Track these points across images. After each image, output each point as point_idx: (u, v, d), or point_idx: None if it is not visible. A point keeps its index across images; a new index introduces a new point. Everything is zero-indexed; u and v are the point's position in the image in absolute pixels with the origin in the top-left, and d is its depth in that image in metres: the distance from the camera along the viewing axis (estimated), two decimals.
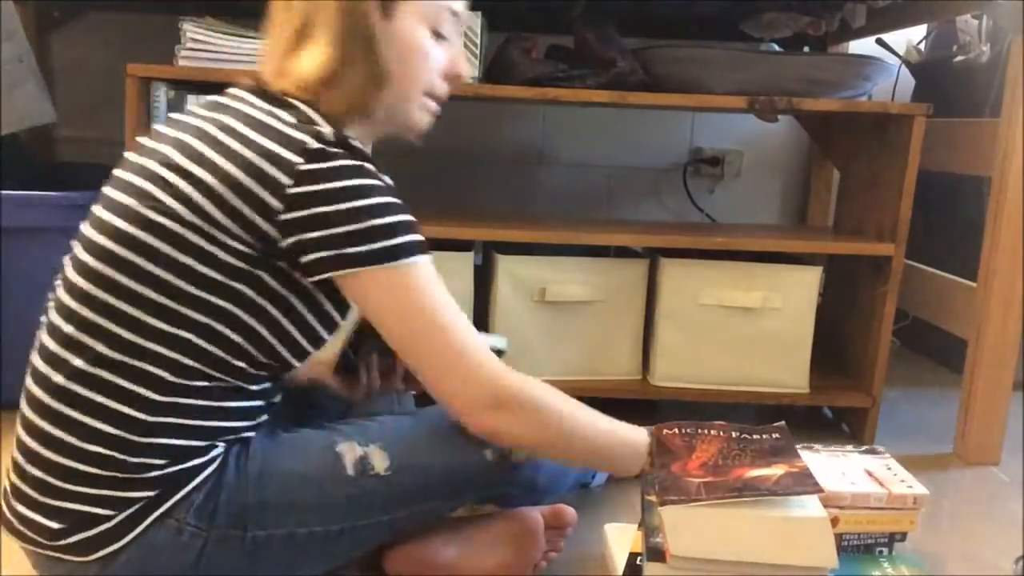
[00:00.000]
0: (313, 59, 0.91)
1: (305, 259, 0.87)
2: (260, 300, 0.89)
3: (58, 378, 0.88)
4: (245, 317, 0.89)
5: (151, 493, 0.89)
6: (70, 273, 0.90)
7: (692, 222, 2.26)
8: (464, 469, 1.02)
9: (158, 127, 0.95)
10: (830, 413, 1.83)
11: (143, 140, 0.95)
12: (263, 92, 0.93)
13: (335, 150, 0.87)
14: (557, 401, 0.98)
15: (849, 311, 1.80)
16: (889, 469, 1.18)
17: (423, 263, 0.90)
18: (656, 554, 0.95)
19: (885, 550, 1.15)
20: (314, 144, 0.86)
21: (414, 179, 1.91)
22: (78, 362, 0.87)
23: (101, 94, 2.17)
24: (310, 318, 0.93)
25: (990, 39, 2.00)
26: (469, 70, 1.02)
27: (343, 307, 0.96)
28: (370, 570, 1.06)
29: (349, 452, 0.97)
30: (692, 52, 1.61)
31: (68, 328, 0.88)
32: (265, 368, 0.94)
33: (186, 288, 0.86)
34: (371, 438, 0.99)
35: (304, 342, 0.94)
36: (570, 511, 1.12)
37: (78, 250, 0.90)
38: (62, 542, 0.89)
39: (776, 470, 0.98)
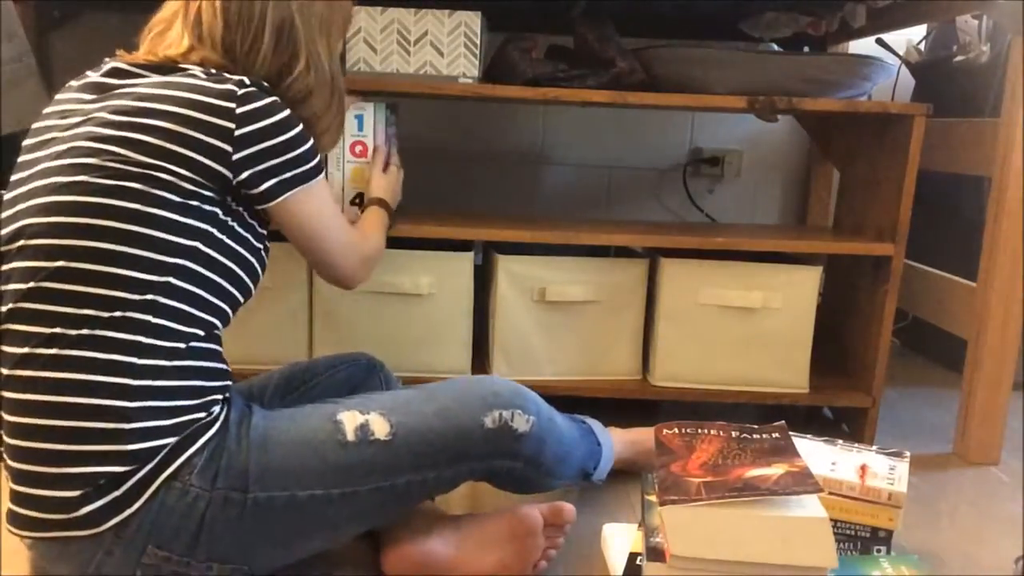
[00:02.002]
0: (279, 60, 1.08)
1: (259, 189, 1.00)
2: (215, 231, 0.98)
3: (40, 350, 0.91)
4: (201, 270, 0.98)
5: (158, 450, 0.92)
6: (28, 252, 0.93)
7: (692, 222, 2.26)
8: (463, 435, 1.04)
9: (51, 107, 1.04)
10: (830, 413, 1.83)
11: (43, 122, 1.03)
12: (149, 64, 1.03)
13: (255, 91, 0.99)
14: (368, 233, 1.32)
15: (849, 311, 1.80)
16: (892, 470, 1.18)
17: (322, 177, 1.08)
18: (656, 554, 0.95)
19: (884, 548, 1.15)
20: (239, 90, 0.97)
21: (414, 179, 1.91)
22: (54, 332, 0.91)
23: None
24: (252, 259, 1.05)
25: (990, 39, 2.00)
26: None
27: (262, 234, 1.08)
28: (370, 570, 1.07)
29: (350, 420, 1.01)
30: (692, 52, 1.61)
31: (33, 305, 0.92)
32: (218, 318, 1.02)
33: (158, 235, 0.94)
34: (371, 407, 1.03)
35: (249, 282, 1.06)
36: (569, 508, 1.12)
37: (28, 233, 0.94)
38: (78, 513, 0.90)
39: (776, 470, 0.98)
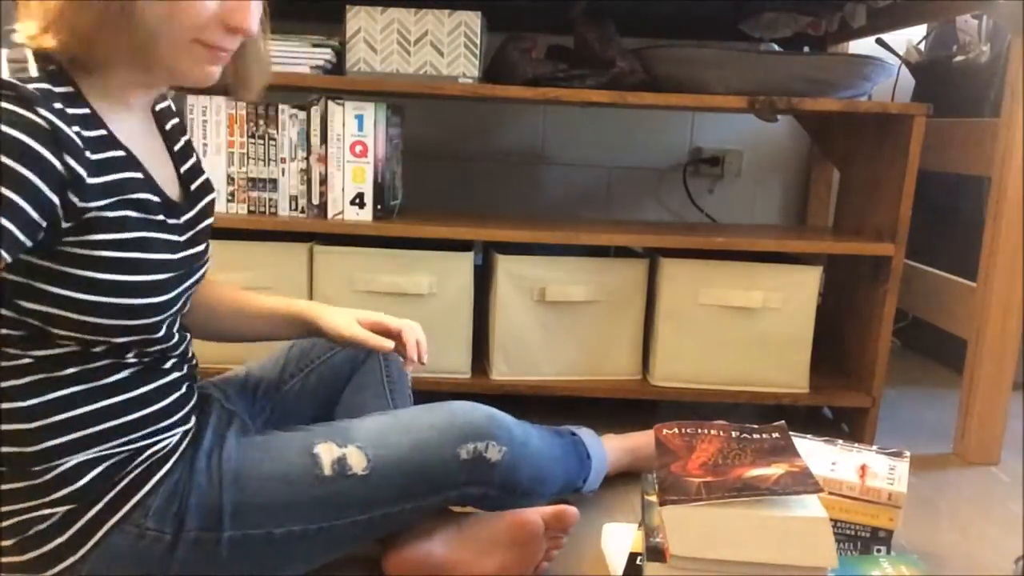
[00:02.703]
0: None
1: None
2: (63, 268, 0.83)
3: None
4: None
5: (92, 490, 0.88)
6: None
7: (692, 222, 2.26)
8: (439, 467, 1.03)
9: None
10: (830, 413, 1.83)
11: None
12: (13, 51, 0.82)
13: None
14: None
15: (849, 311, 1.80)
16: (892, 469, 1.18)
17: None
18: (656, 554, 0.95)
19: (884, 548, 1.15)
20: None
21: (415, 179, 1.91)
22: None
23: None
24: (108, 275, 0.85)
25: (990, 39, 2.00)
26: (252, 25, 0.86)
27: (119, 262, 0.85)
28: (371, 570, 1.07)
29: (327, 453, 0.99)
30: (692, 52, 1.61)
31: None
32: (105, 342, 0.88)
33: None
34: (348, 438, 1.01)
35: (115, 299, 0.86)
36: (572, 511, 1.12)
37: None
38: (20, 558, 0.88)
39: (776, 470, 0.98)
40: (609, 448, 1.37)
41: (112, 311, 0.86)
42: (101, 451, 0.89)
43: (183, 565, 0.91)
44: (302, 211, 1.61)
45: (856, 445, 1.26)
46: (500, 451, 1.06)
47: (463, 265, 1.62)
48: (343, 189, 1.59)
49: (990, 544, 1.29)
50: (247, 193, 1.61)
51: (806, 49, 2.07)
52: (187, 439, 0.97)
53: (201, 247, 0.99)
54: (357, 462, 0.99)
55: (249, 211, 1.62)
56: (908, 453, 1.23)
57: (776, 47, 1.98)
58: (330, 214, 1.60)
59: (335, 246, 1.61)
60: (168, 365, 0.96)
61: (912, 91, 2.25)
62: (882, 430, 1.68)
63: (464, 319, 1.63)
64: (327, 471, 0.98)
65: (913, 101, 2.19)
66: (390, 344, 1.13)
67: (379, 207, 1.60)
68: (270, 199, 1.61)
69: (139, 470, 0.91)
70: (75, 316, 0.84)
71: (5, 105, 0.75)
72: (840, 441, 1.26)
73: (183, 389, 0.98)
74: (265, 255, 1.59)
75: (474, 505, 1.10)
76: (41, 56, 0.81)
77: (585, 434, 1.33)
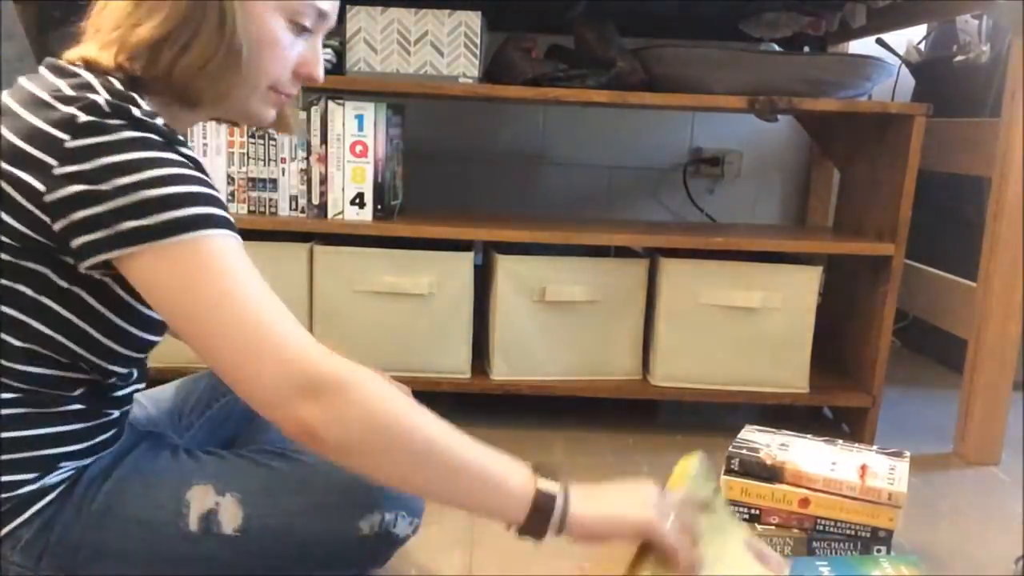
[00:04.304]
0: (151, 23, 0.80)
1: (76, 243, 0.76)
2: (41, 299, 0.80)
3: None
4: (25, 319, 0.80)
5: None
6: None
7: (692, 222, 2.26)
8: (330, 542, 0.89)
9: None
10: (830, 413, 1.83)
11: None
12: (56, 65, 0.84)
13: (110, 122, 0.76)
14: (395, 395, 0.77)
15: (849, 311, 1.80)
16: (892, 470, 1.18)
17: (216, 236, 0.76)
18: None
19: (884, 548, 1.15)
20: (83, 117, 0.75)
21: (415, 179, 1.91)
22: None
23: None
24: (112, 317, 0.83)
25: (990, 39, 2.00)
26: (321, 75, 0.90)
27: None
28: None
29: (198, 501, 0.87)
30: (692, 52, 1.61)
31: None
32: (77, 376, 0.84)
33: None
34: (233, 484, 0.88)
35: (110, 343, 0.84)
36: None
37: None
38: None
39: None
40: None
41: (134, 342, 0.86)
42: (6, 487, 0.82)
43: None
44: (302, 211, 1.61)
45: (856, 445, 1.26)
46: (411, 524, 0.93)
47: (463, 265, 1.62)
48: (343, 189, 1.59)
49: (990, 544, 1.29)
50: (247, 193, 1.61)
51: (806, 49, 2.07)
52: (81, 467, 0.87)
53: None
54: (229, 519, 0.87)
55: (249, 211, 1.62)
56: (908, 453, 1.23)
57: (776, 47, 1.98)
58: (330, 214, 1.60)
59: (335, 246, 1.61)
60: (119, 395, 0.91)
61: (912, 91, 2.25)
62: (882, 430, 1.68)
63: (464, 319, 1.63)
64: (192, 526, 0.86)
65: (913, 101, 2.19)
66: None
67: (379, 207, 1.61)
68: (270, 199, 1.61)
69: (19, 498, 0.83)
70: (106, 342, 0.84)
71: (153, 137, 0.77)
72: (840, 441, 1.26)
73: (114, 427, 0.91)
74: (265, 255, 1.59)
75: None
76: (125, 84, 0.81)
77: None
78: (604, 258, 1.69)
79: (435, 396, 1.51)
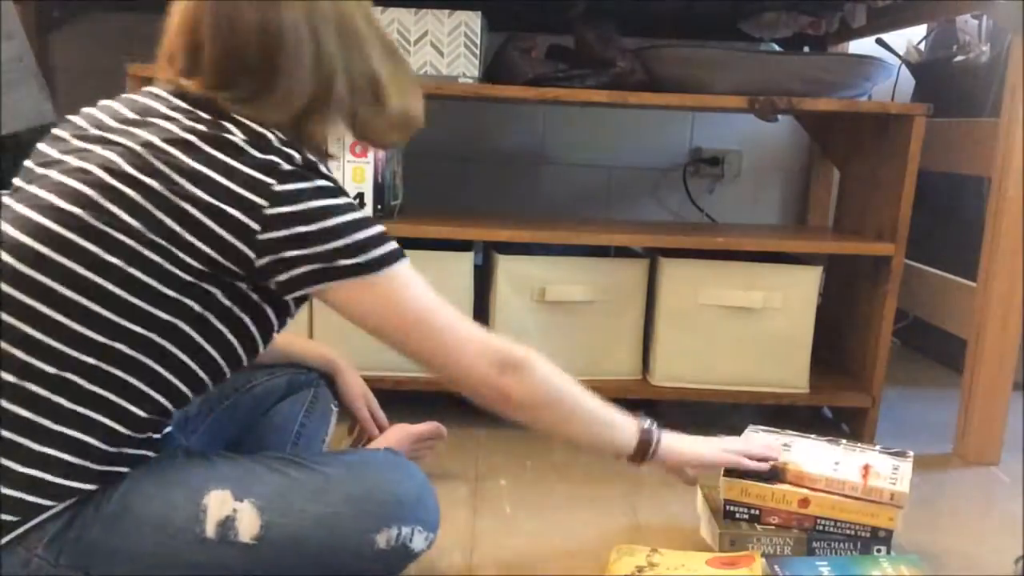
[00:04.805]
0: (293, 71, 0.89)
1: (283, 277, 0.87)
2: (206, 313, 0.87)
3: None
4: (189, 330, 0.87)
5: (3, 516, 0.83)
6: None
7: (692, 222, 2.26)
8: (346, 554, 0.90)
9: (73, 118, 0.92)
10: (830, 413, 1.83)
11: (59, 132, 0.91)
12: (187, 96, 0.88)
13: (305, 171, 0.87)
14: (555, 369, 1.02)
15: (849, 311, 1.80)
16: (896, 469, 1.18)
17: (400, 268, 0.93)
18: None
19: (884, 548, 1.15)
20: (286, 166, 0.86)
21: (415, 179, 1.91)
22: None
23: (101, 94, 2.17)
24: (253, 328, 0.92)
25: (990, 39, 2.00)
26: None
27: (283, 312, 0.95)
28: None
29: (216, 507, 0.88)
30: (692, 52, 1.61)
31: None
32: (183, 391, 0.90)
33: (133, 301, 0.83)
34: (251, 490, 0.89)
35: (242, 352, 0.93)
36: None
37: None
38: None
39: None
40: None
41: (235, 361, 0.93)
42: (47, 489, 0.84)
43: None
44: None
45: (859, 445, 1.26)
46: (427, 539, 0.95)
47: (463, 265, 1.62)
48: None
49: (990, 544, 1.29)
50: None
51: (806, 49, 2.07)
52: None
53: None
54: (247, 527, 0.87)
55: None
56: (911, 453, 1.23)
57: (776, 47, 1.98)
58: None
59: None
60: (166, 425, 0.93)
61: (912, 91, 2.25)
62: (882, 430, 1.68)
63: None
64: (209, 532, 0.87)
65: (913, 101, 2.19)
66: (375, 432, 1.27)
67: (379, 207, 1.60)
68: None
69: (52, 498, 0.84)
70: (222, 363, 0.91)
71: (334, 185, 0.90)
72: (844, 441, 1.26)
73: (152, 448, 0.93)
74: None
75: None
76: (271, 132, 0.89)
77: None
78: (604, 258, 1.69)
79: (436, 396, 1.51)
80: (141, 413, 0.87)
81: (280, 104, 0.89)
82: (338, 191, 0.89)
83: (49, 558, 0.84)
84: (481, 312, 1.69)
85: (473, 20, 1.56)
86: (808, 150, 2.37)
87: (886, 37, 1.97)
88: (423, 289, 0.95)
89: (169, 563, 0.87)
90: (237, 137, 0.86)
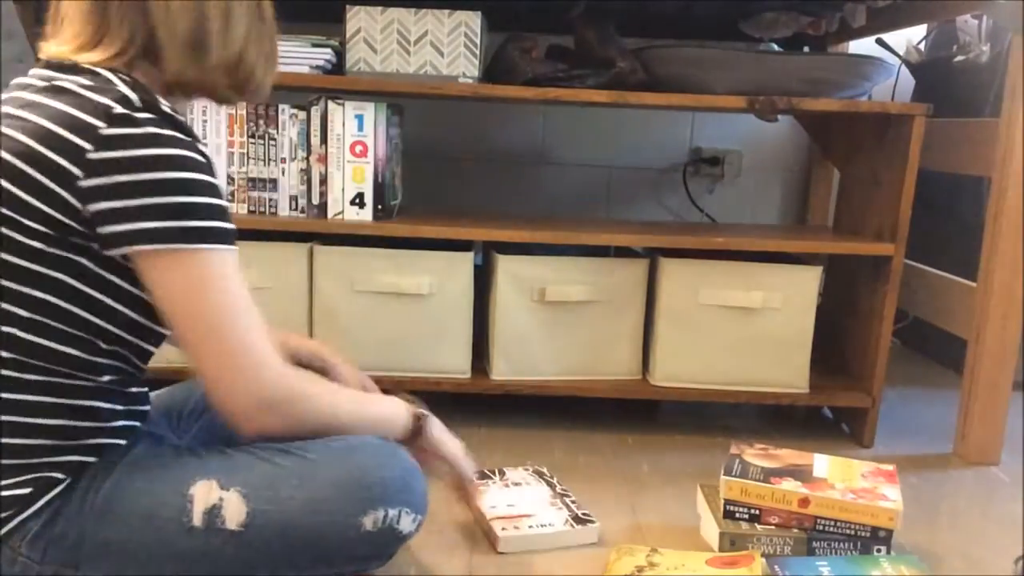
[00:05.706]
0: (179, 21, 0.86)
1: (103, 230, 0.81)
2: (78, 285, 0.84)
3: None
4: (61, 303, 0.84)
5: None
6: None
7: (692, 222, 2.26)
8: (334, 537, 0.90)
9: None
10: (830, 413, 1.83)
11: None
12: (60, 64, 0.86)
13: (143, 115, 0.81)
14: (319, 390, 0.95)
15: (849, 311, 1.80)
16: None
17: (224, 252, 0.85)
18: None
19: (884, 548, 1.15)
20: (119, 108, 0.80)
21: (415, 179, 1.91)
22: None
23: None
24: (135, 290, 0.88)
25: (990, 39, 2.00)
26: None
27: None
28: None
29: (202, 496, 0.88)
30: (692, 52, 1.61)
31: None
32: (106, 362, 0.88)
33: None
34: (237, 479, 0.89)
35: (142, 319, 0.89)
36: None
37: None
38: None
39: None
40: None
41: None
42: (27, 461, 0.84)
43: None
44: (302, 211, 1.61)
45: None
46: (415, 521, 0.94)
47: (463, 265, 1.62)
48: (343, 189, 1.59)
49: (990, 544, 1.29)
50: (247, 193, 1.61)
51: (806, 49, 2.07)
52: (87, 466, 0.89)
53: None
54: (233, 514, 0.87)
55: (249, 211, 1.62)
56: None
57: (776, 47, 1.98)
58: (330, 214, 1.60)
59: (335, 246, 1.61)
60: (135, 391, 0.94)
61: (912, 91, 2.25)
62: (882, 430, 1.68)
63: (464, 319, 1.63)
64: (196, 520, 0.87)
65: (913, 101, 2.19)
66: None
67: (379, 207, 1.61)
68: (270, 199, 1.61)
69: (31, 487, 0.84)
70: (139, 319, 0.88)
71: (180, 135, 0.83)
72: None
73: (128, 434, 0.93)
74: (265, 255, 1.59)
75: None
76: (143, 82, 0.86)
77: None
78: (604, 258, 1.69)
79: (435, 396, 1.51)
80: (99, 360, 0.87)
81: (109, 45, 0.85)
82: (181, 143, 0.82)
83: (34, 556, 0.84)
84: (481, 312, 1.69)
85: (473, 20, 1.56)
86: (808, 150, 2.37)
87: (886, 37, 1.97)
88: (237, 289, 0.86)
89: (158, 553, 0.87)
90: (78, 84, 0.82)
